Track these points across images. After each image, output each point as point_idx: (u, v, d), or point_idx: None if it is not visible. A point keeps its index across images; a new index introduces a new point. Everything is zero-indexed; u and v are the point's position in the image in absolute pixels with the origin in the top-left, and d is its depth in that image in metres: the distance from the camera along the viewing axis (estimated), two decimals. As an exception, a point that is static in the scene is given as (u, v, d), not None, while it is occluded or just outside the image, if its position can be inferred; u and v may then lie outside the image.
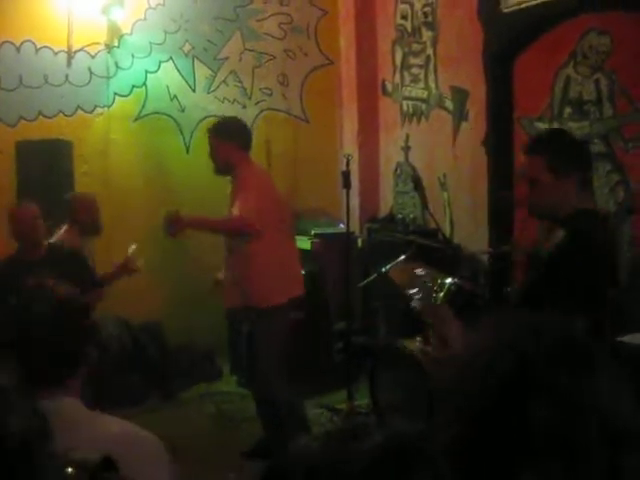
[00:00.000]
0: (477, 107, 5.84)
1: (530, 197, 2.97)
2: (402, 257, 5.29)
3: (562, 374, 1.05)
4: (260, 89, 7.27)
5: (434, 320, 2.92)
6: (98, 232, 5.57)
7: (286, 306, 4.85)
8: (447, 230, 6.07)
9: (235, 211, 4.63)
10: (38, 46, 6.52)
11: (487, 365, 1.09)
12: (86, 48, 6.65)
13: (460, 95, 6.04)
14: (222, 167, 4.78)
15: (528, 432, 1.02)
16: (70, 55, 6.60)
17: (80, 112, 6.67)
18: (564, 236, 2.87)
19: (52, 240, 5.09)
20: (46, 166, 6.01)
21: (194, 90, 7.06)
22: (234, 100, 7.21)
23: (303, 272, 6.33)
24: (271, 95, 7.32)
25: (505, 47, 5.62)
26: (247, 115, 7.15)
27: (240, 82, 7.21)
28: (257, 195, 4.64)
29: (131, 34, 6.81)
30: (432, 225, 6.15)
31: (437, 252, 5.33)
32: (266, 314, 4.72)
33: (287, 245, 4.95)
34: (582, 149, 3.10)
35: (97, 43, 6.69)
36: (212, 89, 7.13)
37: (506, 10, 5.42)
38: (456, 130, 6.09)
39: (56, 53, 6.58)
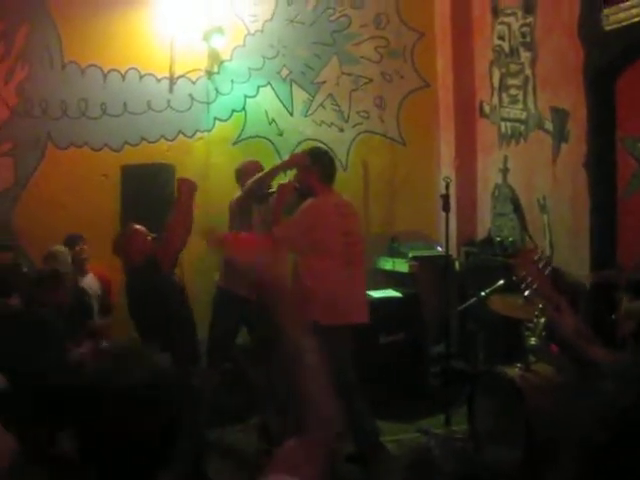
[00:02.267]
0: (578, 127, 5.71)
1: None
2: (501, 282, 5.23)
3: None
4: (357, 112, 7.31)
5: (536, 280, 2.92)
6: None
7: (335, 329, 4.82)
8: (547, 253, 5.95)
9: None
10: (142, 73, 6.72)
11: (608, 398, 1.06)
12: (187, 75, 6.82)
13: (560, 115, 5.93)
14: (305, 190, 4.96)
15: None
16: (172, 82, 6.78)
17: (181, 137, 6.84)
18: None
19: None
20: (149, 189, 6.16)
21: (292, 114, 7.14)
22: (331, 123, 7.26)
23: (400, 294, 6.37)
24: (368, 118, 7.34)
25: (607, 65, 5.49)
26: (344, 138, 7.23)
27: (337, 105, 7.26)
28: (303, 222, 4.85)
29: (231, 60, 6.95)
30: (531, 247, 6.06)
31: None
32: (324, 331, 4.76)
33: (343, 273, 4.95)
34: None
35: (198, 69, 6.85)
36: (309, 113, 7.20)
37: (607, 28, 5.30)
38: (556, 151, 5.98)
39: (159, 80, 6.77)
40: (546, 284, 2.99)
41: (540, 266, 3.04)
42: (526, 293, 3.14)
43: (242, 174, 5.52)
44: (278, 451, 1.36)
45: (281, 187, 5.12)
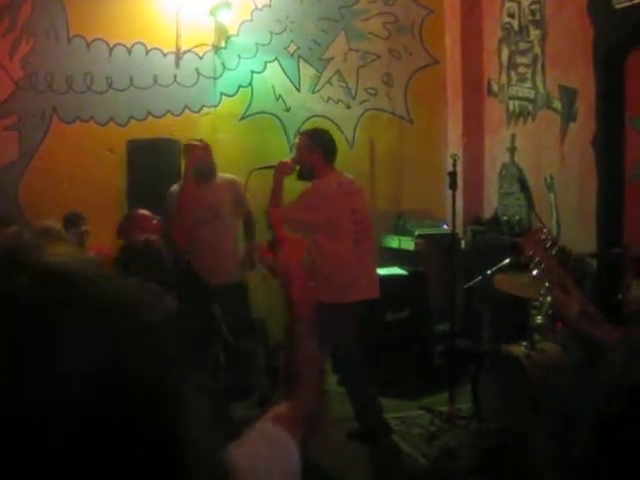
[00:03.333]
0: (586, 106, 5.68)
1: None
2: (507, 260, 5.21)
3: None
4: (364, 89, 7.27)
5: (543, 260, 2.92)
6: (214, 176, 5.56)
7: (350, 306, 4.89)
8: (554, 232, 5.93)
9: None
10: (148, 48, 6.68)
11: (618, 370, 1.05)
12: (194, 49, 6.79)
13: (569, 94, 5.89)
14: (306, 172, 4.97)
15: None
16: (178, 56, 6.74)
17: (187, 112, 6.80)
18: None
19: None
20: (155, 164, 6.14)
21: (299, 90, 7.11)
22: (338, 100, 7.22)
23: (406, 272, 6.37)
24: (375, 95, 7.30)
25: (617, 44, 5.45)
26: (351, 115, 7.20)
27: (345, 82, 7.22)
28: (308, 204, 4.91)
29: (237, 35, 6.91)
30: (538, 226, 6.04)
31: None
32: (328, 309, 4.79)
33: (352, 251, 4.97)
34: None
35: (204, 44, 6.81)
36: (317, 89, 7.16)
37: (618, 6, 5.25)
38: (564, 130, 5.94)
39: (165, 54, 6.73)
40: (553, 264, 2.98)
41: (547, 246, 3.04)
42: (533, 273, 3.13)
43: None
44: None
45: (280, 166, 5.09)
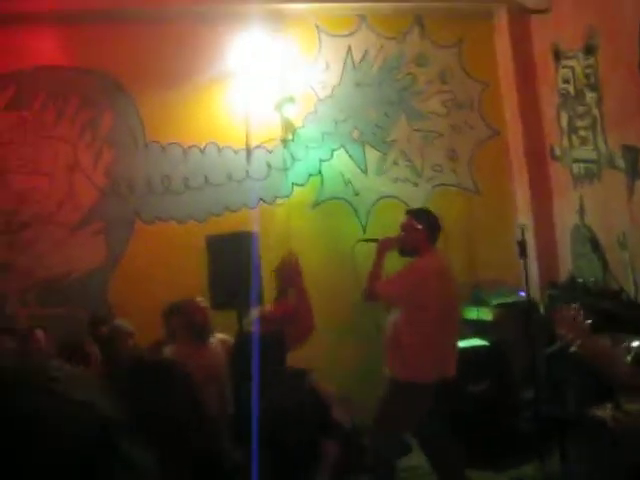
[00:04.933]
0: (650, 163, 5.74)
1: None
2: (587, 322, 5.23)
3: None
4: (430, 166, 7.44)
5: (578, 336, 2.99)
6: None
7: (429, 386, 5.00)
8: (631, 291, 5.92)
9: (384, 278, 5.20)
10: (220, 147, 7.02)
11: None
12: (263, 144, 7.09)
13: (631, 153, 5.96)
14: (409, 250, 5.16)
15: None
16: (249, 152, 7.05)
17: (262, 204, 7.06)
18: None
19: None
20: (234, 257, 6.37)
21: (366, 173, 7.32)
22: (406, 179, 7.40)
23: (486, 342, 6.42)
24: (441, 171, 7.47)
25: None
26: (419, 193, 7.36)
27: (410, 161, 7.41)
28: (410, 282, 5.09)
29: (303, 127, 7.19)
30: (614, 286, 6.05)
31: (622, 314, 5.23)
32: (404, 387, 4.94)
33: (439, 330, 5.11)
34: None
35: (273, 139, 7.11)
36: (384, 171, 7.37)
37: (669, 63, 5.36)
38: (631, 188, 5.99)
39: (236, 152, 7.04)
40: (588, 337, 3.05)
41: (580, 322, 3.12)
42: (572, 349, 3.21)
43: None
44: None
45: (383, 241, 5.30)
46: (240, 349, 4.77)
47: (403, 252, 5.31)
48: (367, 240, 5.58)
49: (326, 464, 2.19)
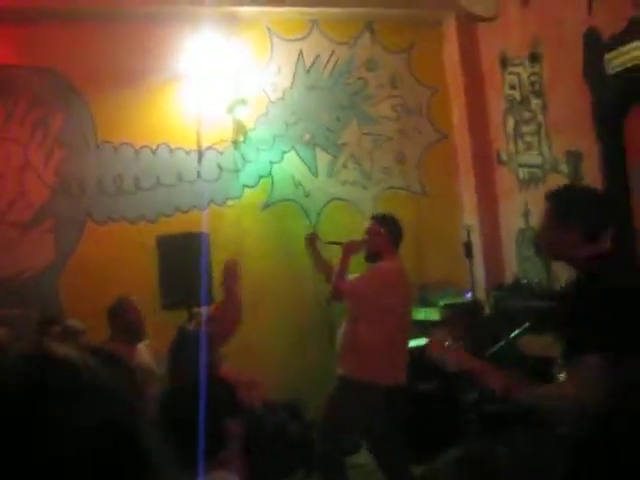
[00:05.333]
0: (592, 168, 5.93)
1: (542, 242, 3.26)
2: (527, 324, 5.39)
3: None
4: (379, 169, 7.56)
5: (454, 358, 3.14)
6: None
7: (386, 387, 5.14)
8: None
9: (348, 278, 5.29)
10: (172, 147, 7.04)
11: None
12: (215, 146, 7.13)
13: (574, 158, 6.15)
14: (372, 253, 5.29)
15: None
16: (201, 153, 7.08)
17: (212, 205, 7.09)
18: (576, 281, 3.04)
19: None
20: (183, 257, 6.41)
21: (316, 176, 7.41)
22: (355, 182, 7.51)
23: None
24: (390, 174, 7.59)
25: (613, 107, 5.72)
26: (368, 195, 7.47)
27: (360, 164, 7.52)
28: (375, 284, 5.22)
29: (254, 129, 7.25)
30: (557, 288, 6.22)
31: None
32: (360, 387, 5.06)
33: (400, 333, 5.35)
34: (590, 203, 3.18)
35: (224, 140, 7.15)
36: (334, 173, 7.46)
37: (611, 71, 5.55)
38: (573, 192, 6.16)
39: (188, 152, 7.07)
40: (462, 355, 3.22)
41: (450, 342, 3.29)
42: (450, 369, 3.36)
43: None
44: None
45: (348, 245, 5.40)
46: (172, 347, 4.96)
47: (367, 256, 5.43)
48: (332, 243, 5.67)
49: (231, 444, 2.30)
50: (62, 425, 0.94)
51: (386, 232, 5.33)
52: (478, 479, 4.35)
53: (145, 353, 5.42)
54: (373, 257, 5.40)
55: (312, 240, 5.80)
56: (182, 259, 6.41)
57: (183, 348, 5.08)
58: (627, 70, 5.41)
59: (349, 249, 5.39)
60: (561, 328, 3.14)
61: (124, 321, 5.31)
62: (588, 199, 3.20)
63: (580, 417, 1.49)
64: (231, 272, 5.19)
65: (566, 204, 3.12)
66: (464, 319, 6.58)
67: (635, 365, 2.55)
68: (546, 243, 3.22)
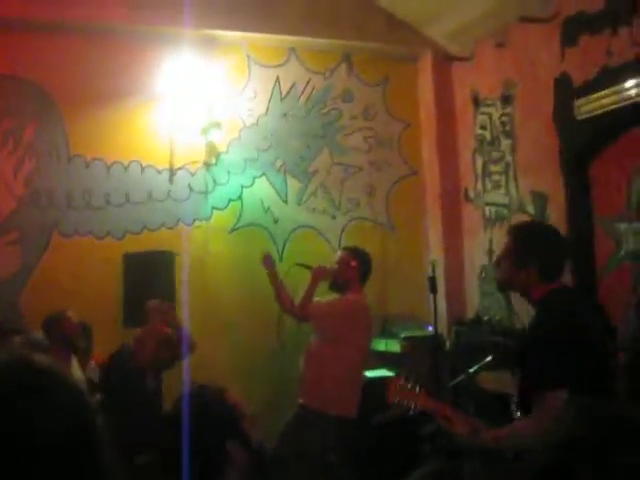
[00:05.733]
0: (557, 210, 6.04)
1: (498, 274, 3.35)
2: (489, 358, 5.46)
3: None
4: (348, 199, 7.63)
5: (413, 400, 3.21)
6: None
7: (350, 420, 5.21)
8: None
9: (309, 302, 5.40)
10: (143, 165, 7.05)
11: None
12: (186, 166, 7.14)
13: (540, 199, 6.27)
14: (340, 283, 5.35)
15: None
16: (172, 173, 7.10)
17: (181, 225, 7.10)
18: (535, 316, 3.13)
19: None
20: (150, 275, 6.43)
21: (286, 202, 7.45)
22: (324, 211, 7.56)
23: (393, 374, 6.58)
24: (358, 205, 7.66)
25: (581, 152, 5.86)
26: (336, 225, 7.53)
27: (329, 194, 7.58)
28: (339, 312, 5.35)
29: (227, 152, 7.29)
30: (518, 326, 6.31)
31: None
32: (323, 419, 5.13)
33: (361, 367, 5.51)
34: (546, 242, 3.28)
35: (196, 162, 7.17)
36: (303, 201, 7.51)
37: (579, 117, 5.69)
38: (538, 233, 6.27)
39: (160, 172, 7.08)
40: (424, 400, 3.31)
41: (410, 387, 3.38)
42: (411, 412, 3.44)
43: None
44: None
45: (318, 270, 5.45)
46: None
47: (334, 285, 5.49)
48: (302, 265, 5.71)
49: (235, 467, 2.28)
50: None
51: (357, 265, 5.42)
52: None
53: (77, 367, 5.44)
54: (339, 287, 5.47)
55: (267, 260, 5.87)
56: (148, 278, 6.43)
57: (116, 363, 5.36)
58: (595, 117, 5.54)
59: (318, 274, 5.45)
60: (520, 364, 3.22)
61: (58, 333, 5.34)
62: (547, 239, 3.29)
63: (544, 449, 1.56)
64: (154, 312, 5.39)
65: (525, 242, 3.20)
66: (425, 352, 6.64)
67: (593, 398, 2.63)
68: (502, 274, 3.30)
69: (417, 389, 3.39)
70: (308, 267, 5.58)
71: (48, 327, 5.36)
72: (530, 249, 3.17)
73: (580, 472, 1.27)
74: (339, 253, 5.65)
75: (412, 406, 3.34)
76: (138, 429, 4.66)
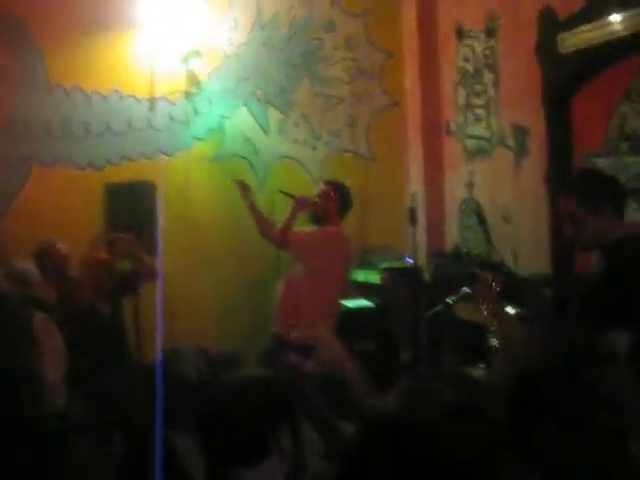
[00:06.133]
0: (538, 144, 6.07)
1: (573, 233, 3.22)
2: (465, 290, 5.55)
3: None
4: (329, 131, 7.61)
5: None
6: None
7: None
8: (511, 263, 6.28)
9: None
10: (123, 95, 6.98)
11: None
12: (167, 96, 7.08)
13: (521, 133, 6.29)
14: (320, 215, 5.44)
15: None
16: (152, 102, 7.04)
17: (161, 155, 7.06)
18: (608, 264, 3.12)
19: None
20: (131, 206, 6.43)
21: (267, 133, 7.43)
22: (304, 141, 7.55)
23: (372, 304, 6.71)
24: (339, 136, 7.65)
25: (562, 86, 5.86)
26: (317, 156, 7.53)
27: (310, 124, 7.56)
28: (318, 241, 5.43)
29: (208, 82, 7.22)
30: (496, 258, 6.40)
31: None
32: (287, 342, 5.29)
33: (332, 296, 5.54)
34: (611, 183, 3.31)
35: (177, 91, 7.11)
36: (284, 131, 7.49)
37: (563, 51, 5.67)
38: (518, 166, 6.33)
39: (139, 101, 7.02)
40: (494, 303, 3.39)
41: (494, 287, 3.45)
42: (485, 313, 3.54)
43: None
44: None
45: (300, 200, 5.51)
46: None
47: (313, 216, 5.53)
48: (285, 193, 5.74)
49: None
50: None
51: (337, 199, 5.46)
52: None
53: None
54: (319, 219, 5.51)
55: (242, 186, 5.99)
56: (129, 208, 6.43)
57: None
58: (579, 51, 5.53)
59: (300, 204, 5.51)
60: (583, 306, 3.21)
61: (49, 264, 5.34)
62: (609, 179, 3.33)
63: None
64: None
65: (593, 187, 3.18)
66: (404, 283, 6.74)
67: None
68: (579, 231, 3.18)
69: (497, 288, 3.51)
70: (291, 196, 5.63)
71: (40, 258, 5.36)
72: (600, 191, 3.16)
73: (549, 394, 1.33)
74: (321, 186, 5.67)
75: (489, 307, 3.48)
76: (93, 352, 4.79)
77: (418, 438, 1.32)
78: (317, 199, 5.52)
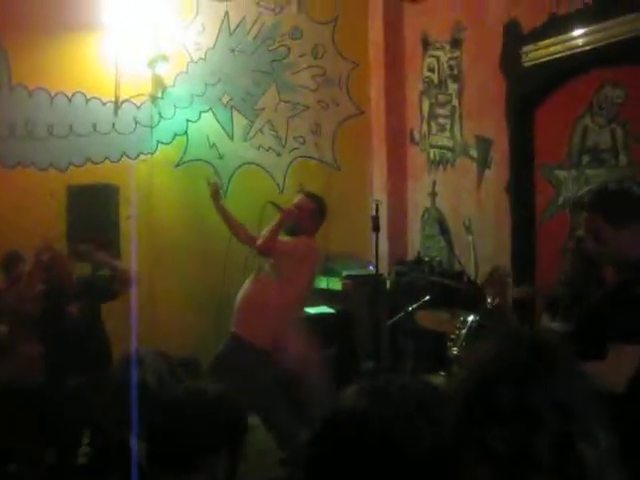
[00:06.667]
0: (500, 155, 6.14)
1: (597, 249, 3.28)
2: (427, 297, 5.60)
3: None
4: (294, 137, 7.63)
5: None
6: None
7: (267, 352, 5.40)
8: (472, 272, 6.33)
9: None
10: (88, 97, 6.94)
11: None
12: (132, 99, 7.06)
13: (484, 144, 6.35)
14: (295, 228, 5.53)
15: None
16: (117, 105, 7.01)
17: (125, 158, 7.04)
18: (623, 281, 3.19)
19: None
20: (93, 208, 6.39)
21: (232, 138, 7.43)
22: (269, 148, 7.56)
23: (333, 311, 6.74)
24: (304, 143, 7.67)
25: (526, 99, 5.94)
26: (281, 162, 7.55)
27: (275, 131, 7.57)
28: (299, 252, 5.49)
29: (174, 86, 7.21)
30: (457, 267, 6.45)
31: (461, 293, 5.62)
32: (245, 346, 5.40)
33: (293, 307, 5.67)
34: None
35: (142, 94, 7.08)
36: (249, 137, 7.50)
37: (526, 64, 5.75)
38: (480, 177, 6.39)
39: (104, 104, 6.99)
40: (505, 298, 3.44)
41: (504, 281, 3.52)
42: (488, 306, 3.58)
43: None
44: None
45: (287, 211, 5.51)
46: None
47: (290, 227, 5.55)
48: (273, 204, 5.70)
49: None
50: None
51: (315, 211, 5.52)
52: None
53: None
54: (294, 230, 5.54)
55: (215, 190, 6.04)
56: (91, 211, 6.39)
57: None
58: (542, 64, 5.61)
59: (287, 215, 5.51)
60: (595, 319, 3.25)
61: (15, 272, 5.38)
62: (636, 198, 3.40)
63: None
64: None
65: (618, 204, 3.25)
66: (366, 291, 6.77)
67: None
68: (605, 246, 3.24)
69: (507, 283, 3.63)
70: (279, 207, 5.63)
71: (7, 265, 5.41)
72: (625, 210, 3.23)
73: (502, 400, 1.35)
74: (299, 197, 5.70)
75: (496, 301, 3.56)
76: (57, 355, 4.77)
77: (374, 435, 1.34)
78: (295, 210, 5.55)
